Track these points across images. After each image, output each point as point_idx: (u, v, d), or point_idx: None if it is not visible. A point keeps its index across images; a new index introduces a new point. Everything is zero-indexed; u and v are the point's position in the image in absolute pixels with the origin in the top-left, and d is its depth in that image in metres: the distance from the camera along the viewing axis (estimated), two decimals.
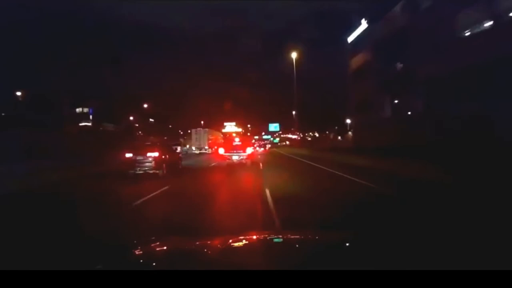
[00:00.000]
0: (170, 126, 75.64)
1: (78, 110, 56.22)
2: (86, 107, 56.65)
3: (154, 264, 1.52)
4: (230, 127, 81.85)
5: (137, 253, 1.69)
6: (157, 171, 12.52)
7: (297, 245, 1.94)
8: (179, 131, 76.89)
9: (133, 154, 12.66)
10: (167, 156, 13.81)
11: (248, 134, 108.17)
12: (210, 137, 37.27)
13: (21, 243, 4.04)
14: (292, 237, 2.16)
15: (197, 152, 35.42)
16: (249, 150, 17.55)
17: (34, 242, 4.11)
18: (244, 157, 17.01)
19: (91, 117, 54.73)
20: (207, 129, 41.04)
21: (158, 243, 1.89)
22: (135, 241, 2.08)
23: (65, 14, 65.89)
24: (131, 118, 55.31)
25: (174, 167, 14.44)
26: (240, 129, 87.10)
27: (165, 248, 1.82)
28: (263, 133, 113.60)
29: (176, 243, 1.94)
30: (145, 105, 47.99)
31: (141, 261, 1.62)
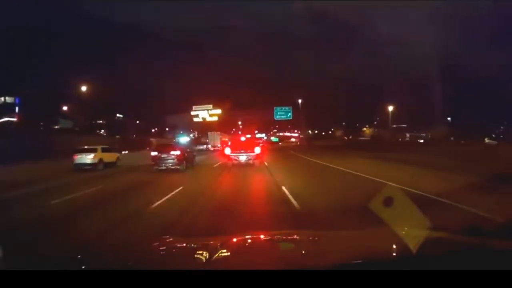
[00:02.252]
0: (137, 121, 59.21)
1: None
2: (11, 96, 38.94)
3: (154, 264, 1.51)
4: (203, 112, 55.83)
5: (138, 253, 1.72)
6: (179, 167, 14.32)
7: (298, 245, 1.92)
8: (152, 129, 60.44)
9: (158, 152, 14.83)
10: (186, 154, 15.60)
11: (240, 132, 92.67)
12: (222, 138, 45.51)
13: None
14: (294, 237, 2.12)
15: (212, 149, 43.17)
16: (257, 150, 15.97)
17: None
18: (253, 157, 15.66)
19: (17, 109, 37.20)
20: (219, 132, 50.28)
21: (159, 243, 1.89)
22: (137, 242, 2.21)
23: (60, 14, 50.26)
24: (64, 108, 37.74)
25: (190, 163, 16.16)
26: (218, 112, 55.91)
27: (166, 248, 1.83)
28: (256, 131, 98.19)
29: (177, 243, 1.97)
30: (83, 88, 31.05)
31: (142, 261, 1.58)
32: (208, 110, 57.61)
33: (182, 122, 56.01)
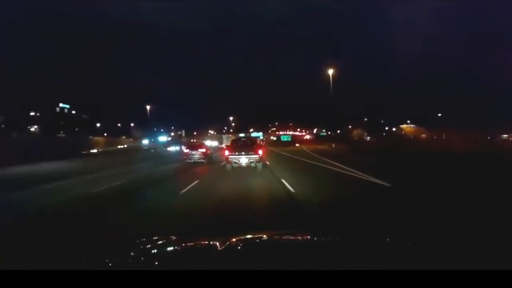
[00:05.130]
0: (86, 115, 46.81)
1: None
2: None
3: (154, 264, 1.50)
4: None
5: (137, 252, 1.69)
6: (203, 160, 20.61)
7: (299, 245, 1.93)
8: (117, 123, 47.77)
9: (189, 150, 21.42)
10: (207, 151, 22.41)
11: (231, 130, 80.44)
12: (231, 138, 53.81)
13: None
14: (294, 237, 2.16)
15: (224, 147, 49.44)
16: (261, 152, 15.55)
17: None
18: (255, 159, 15.07)
19: None
20: (231, 135, 59.67)
21: (158, 243, 1.87)
22: (137, 241, 2.02)
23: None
24: None
25: (210, 158, 22.46)
26: None
27: (165, 248, 1.82)
28: (251, 130, 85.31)
29: (177, 243, 1.96)
30: None
31: (142, 261, 1.58)
32: None
33: None
